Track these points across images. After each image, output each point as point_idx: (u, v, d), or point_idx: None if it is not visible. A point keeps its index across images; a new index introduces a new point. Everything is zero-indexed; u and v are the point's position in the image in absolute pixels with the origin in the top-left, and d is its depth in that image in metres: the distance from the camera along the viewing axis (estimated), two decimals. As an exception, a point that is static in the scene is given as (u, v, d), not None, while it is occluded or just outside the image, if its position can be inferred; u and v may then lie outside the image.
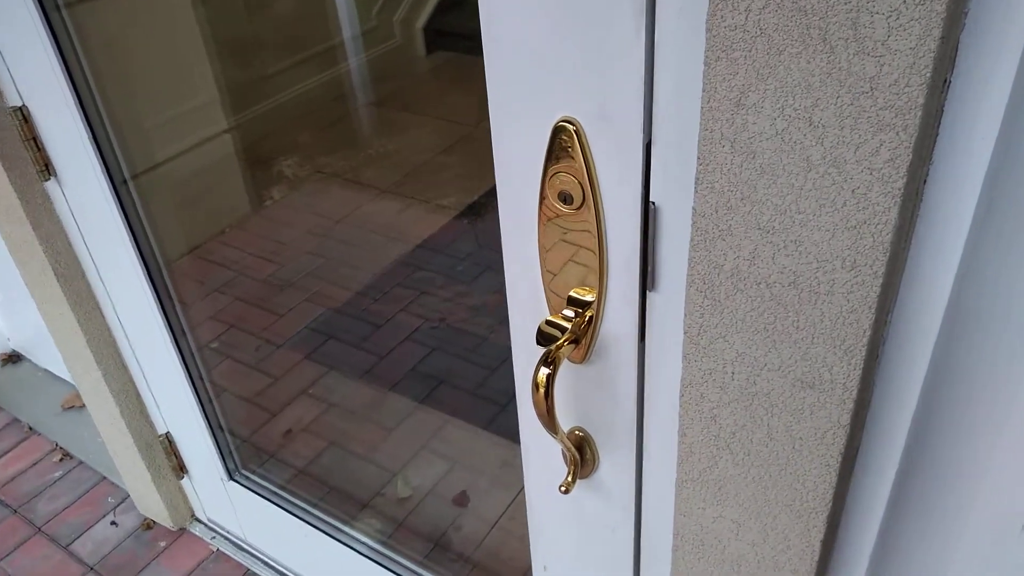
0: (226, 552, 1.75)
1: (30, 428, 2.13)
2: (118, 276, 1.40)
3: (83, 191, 1.30)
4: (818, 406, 0.60)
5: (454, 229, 3.32)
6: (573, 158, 0.63)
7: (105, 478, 1.96)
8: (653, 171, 0.61)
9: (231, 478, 1.67)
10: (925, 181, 0.52)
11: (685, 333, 0.64)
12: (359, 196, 3.51)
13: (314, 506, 1.68)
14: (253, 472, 1.76)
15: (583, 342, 0.73)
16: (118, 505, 1.89)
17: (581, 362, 0.76)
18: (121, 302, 1.44)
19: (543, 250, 0.71)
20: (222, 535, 1.77)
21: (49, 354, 2.24)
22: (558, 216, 0.67)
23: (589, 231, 0.66)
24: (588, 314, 0.71)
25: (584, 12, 0.56)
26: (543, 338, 0.71)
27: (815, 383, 0.59)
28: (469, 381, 2.43)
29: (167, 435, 1.65)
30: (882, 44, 0.45)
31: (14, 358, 2.36)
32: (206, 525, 1.80)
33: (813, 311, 0.56)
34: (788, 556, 0.71)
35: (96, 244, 1.37)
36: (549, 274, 0.72)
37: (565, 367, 0.76)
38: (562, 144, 0.63)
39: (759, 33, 0.48)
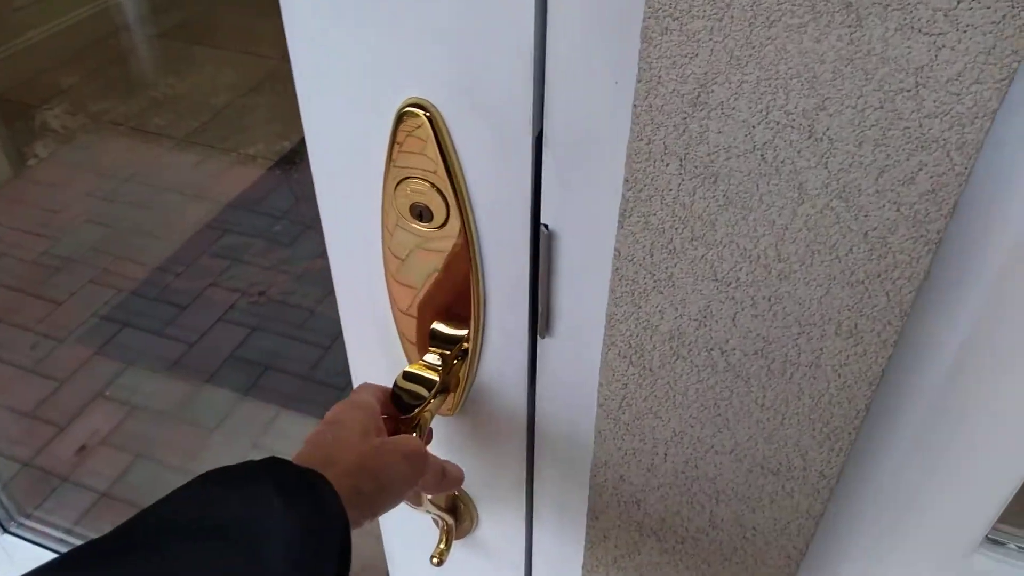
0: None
1: None
2: None
3: None
4: (782, 495, 0.45)
5: (267, 183, 2.95)
6: (428, 157, 0.42)
7: None
8: (545, 183, 0.42)
9: (5, 530, 1.34)
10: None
11: (600, 406, 0.47)
12: (147, 148, 3.02)
13: None
14: (35, 515, 1.43)
15: (455, 390, 0.54)
16: None
17: (452, 414, 0.57)
18: None
19: (394, 283, 0.50)
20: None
21: None
22: (413, 237, 0.46)
23: (458, 254, 0.46)
24: (456, 356, 0.51)
25: None
26: (402, 402, 0.50)
27: (779, 470, 0.44)
28: (300, 364, 2.16)
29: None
30: (945, 15, 0.27)
31: None
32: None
33: (787, 387, 0.40)
34: (725, 643, 0.57)
35: None
36: (404, 316, 0.52)
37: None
38: (411, 138, 0.42)
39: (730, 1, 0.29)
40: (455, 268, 0.47)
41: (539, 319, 0.48)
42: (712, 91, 0.32)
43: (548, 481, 0.57)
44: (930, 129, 0.30)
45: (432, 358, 0.52)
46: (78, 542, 1.27)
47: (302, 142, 0.47)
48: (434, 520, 0.64)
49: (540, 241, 0.44)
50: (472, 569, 0.69)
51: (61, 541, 1.39)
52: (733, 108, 0.32)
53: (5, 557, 1.37)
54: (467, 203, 0.44)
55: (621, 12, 0.33)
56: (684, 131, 0.34)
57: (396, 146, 0.43)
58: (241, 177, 2.85)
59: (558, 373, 0.50)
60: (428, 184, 0.44)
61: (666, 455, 0.47)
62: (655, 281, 0.39)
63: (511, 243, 0.44)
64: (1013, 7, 0.27)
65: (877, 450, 0.45)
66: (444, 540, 0.63)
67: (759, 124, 0.32)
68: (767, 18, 0.30)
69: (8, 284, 2.36)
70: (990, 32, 0.27)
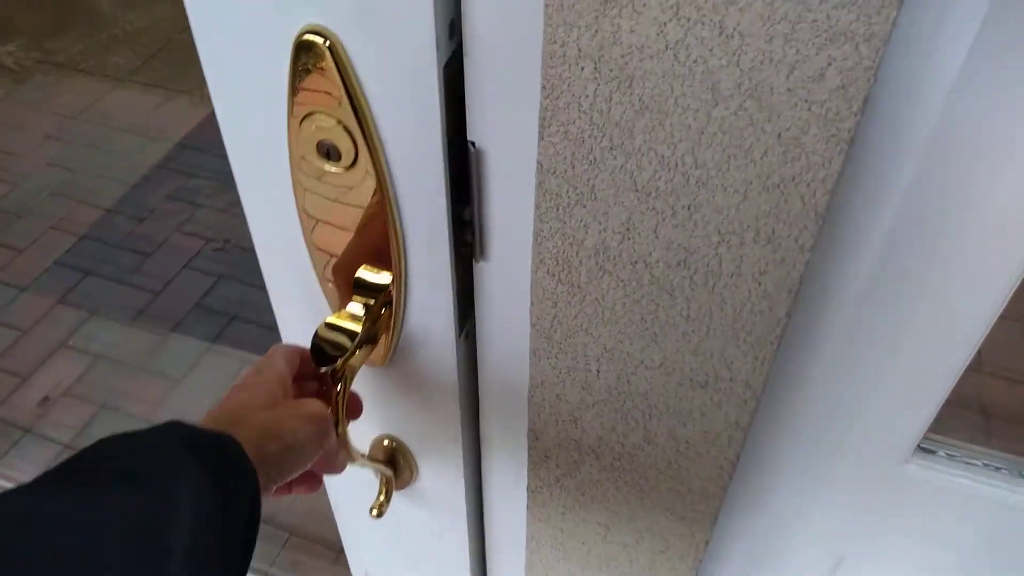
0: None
1: None
2: None
3: None
4: (711, 407, 0.46)
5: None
6: (330, 92, 0.40)
7: None
8: (469, 97, 0.41)
9: None
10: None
11: (533, 326, 0.47)
12: (105, 87, 2.92)
13: None
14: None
15: (383, 341, 0.53)
16: None
17: (383, 365, 0.56)
18: None
19: (308, 227, 0.49)
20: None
21: None
22: (323, 178, 0.45)
23: (372, 195, 0.45)
24: (383, 305, 0.50)
25: None
26: (323, 353, 0.49)
27: (708, 382, 0.44)
28: (268, 313, 2.14)
29: None
30: None
31: None
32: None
33: (710, 297, 0.40)
34: (667, 556, 0.59)
35: None
36: (323, 254, 0.51)
37: (363, 371, 0.55)
38: (312, 70, 0.40)
39: None
40: (371, 210, 0.45)
41: (474, 243, 0.47)
42: (621, -13, 0.31)
43: (490, 414, 0.58)
44: (838, 21, 0.29)
45: (355, 307, 0.50)
46: None
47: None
48: (373, 473, 0.64)
49: (469, 160, 0.43)
50: (415, 518, 0.69)
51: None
52: (644, 4, 0.31)
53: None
54: (375, 138, 0.42)
55: (528, -95, 0.32)
56: (596, 31, 0.33)
57: (297, 79, 0.41)
58: (198, 116, 2.76)
59: (495, 298, 0.50)
60: (334, 120, 0.42)
61: (599, 372, 0.47)
62: (578, 195, 0.39)
63: (426, 177, 0.43)
64: None
65: (804, 361, 0.46)
66: (383, 492, 0.64)
67: (670, 21, 0.31)
68: (671, -94, 0.28)
69: (-37, 233, 2.30)
70: (893, -85, 0.27)
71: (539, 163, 0.38)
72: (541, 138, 0.37)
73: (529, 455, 0.56)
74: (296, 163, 0.45)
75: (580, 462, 0.54)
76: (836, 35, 0.30)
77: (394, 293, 0.50)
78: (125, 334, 1.99)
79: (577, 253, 0.41)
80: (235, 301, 2.05)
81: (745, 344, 0.42)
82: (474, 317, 0.52)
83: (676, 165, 0.36)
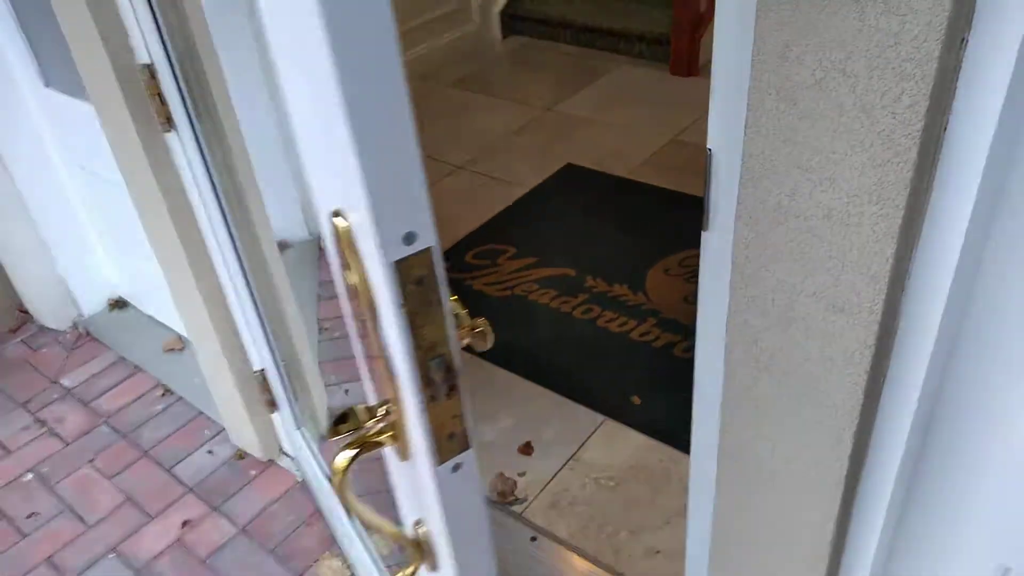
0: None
1: (135, 366, 2.34)
2: (222, 225, 1.56)
3: (194, 145, 1.45)
4: (847, 328, 0.69)
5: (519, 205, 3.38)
6: (345, 249, 0.52)
7: (202, 413, 2.16)
8: (710, 121, 0.71)
9: (297, 427, 1.83)
10: (945, 129, 0.60)
11: (733, 263, 0.74)
12: (435, 169, 3.62)
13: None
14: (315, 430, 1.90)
15: (400, 440, 0.61)
16: (213, 437, 2.08)
17: (405, 460, 0.63)
18: (227, 248, 1.60)
19: (358, 343, 0.61)
20: (303, 471, 1.94)
21: (152, 301, 2.46)
22: (357, 311, 0.56)
23: (373, 331, 0.56)
24: (395, 414, 0.60)
25: (320, 107, 0.46)
26: (337, 420, 0.60)
27: (845, 307, 0.68)
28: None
29: (262, 372, 1.81)
30: (905, 4, 0.53)
31: (121, 304, 2.58)
32: (292, 459, 1.98)
33: (844, 241, 0.65)
34: (819, 471, 0.80)
35: (207, 193, 1.53)
36: (371, 363, 0.61)
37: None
38: (337, 235, 0.53)
39: (802, -5, 0.57)
40: (374, 342, 0.55)
41: (705, 217, 0.76)
42: (791, 49, 0.60)
43: (705, 339, 0.84)
44: (906, 68, 0.55)
45: (379, 409, 0.60)
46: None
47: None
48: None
49: (708, 160, 0.73)
50: None
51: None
52: (803, 59, 0.59)
53: (300, 440, 1.85)
54: (369, 289, 0.52)
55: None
56: (778, 73, 0.61)
57: (336, 242, 0.52)
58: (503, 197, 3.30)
59: (715, 256, 0.77)
60: (350, 271, 0.53)
61: (773, 300, 0.73)
62: (764, 170, 0.66)
63: (396, 332, 0.51)
64: (938, 1, 0.52)
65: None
66: (413, 567, 0.70)
67: (816, 68, 0.59)
68: (817, 7, 0.57)
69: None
70: (927, 13, 0.53)
71: (744, 150, 0.67)
72: (745, 135, 0.66)
73: (724, 369, 0.81)
74: (347, 294, 0.56)
75: (757, 378, 0.79)
76: (905, 75, 0.56)
77: (396, 411, 0.59)
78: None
79: (762, 209, 0.68)
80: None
81: (866, 277, 0.65)
82: (471, 452, 0.60)
83: (822, 151, 0.62)
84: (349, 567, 1.71)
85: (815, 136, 0.62)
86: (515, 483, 1.86)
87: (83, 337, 2.48)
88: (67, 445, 2.09)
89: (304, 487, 1.92)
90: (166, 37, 1.32)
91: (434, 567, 0.68)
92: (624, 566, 1.64)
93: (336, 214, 0.51)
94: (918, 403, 0.74)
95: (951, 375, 0.75)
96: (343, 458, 0.59)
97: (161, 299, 2.21)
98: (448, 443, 0.58)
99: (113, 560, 1.79)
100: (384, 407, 0.60)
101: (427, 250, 0.50)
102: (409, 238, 0.49)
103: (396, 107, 0.45)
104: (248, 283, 1.62)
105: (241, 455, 2.02)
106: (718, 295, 0.80)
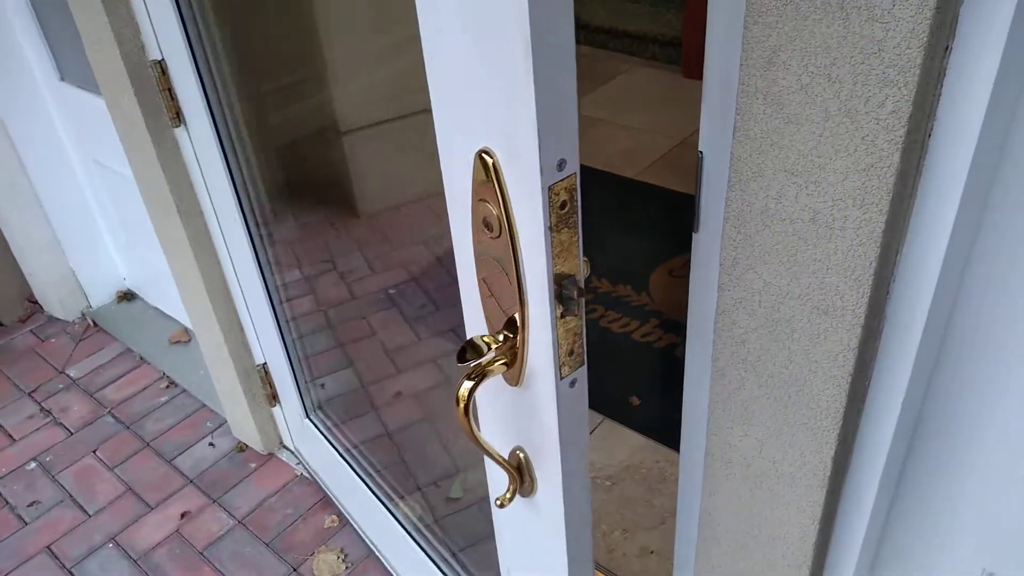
0: (309, 478, 1.93)
1: (141, 358, 2.37)
2: (229, 220, 1.58)
3: (206, 140, 1.48)
4: (831, 331, 0.70)
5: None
6: (490, 186, 0.58)
7: (205, 406, 2.18)
8: (702, 125, 0.72)
9: (307, 416, 1.85)
10: (929, 135, 0.61)
11: (721, 264, 0.75)
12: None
13: (375, 468, 1.74)
14: (328, 417, 1.91)
15: (515, 366, 0.67)
16: (215, 430, 2.10)
17: (517, 386, 0.69)
18: (232, 242, 1.62)
19: (480, 274, 0.66)
20: (304, 463, 1.96)
21: (159, 293, 2.48)
22: (484, 243, 0.62)
23: (509, 260, 0.61)
24: (517, 338, 0.66)
25: (488, 47, 0.52)
26: (462, 353, 0.66)
27: (829, 309, 0.69)
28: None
29: (264, 365, 1.83)
30: (888, 12, 0.54)
31: (129, 296, 2.61)
32: (292, 452, 1.99)
33: (828, 244, 0.66)
34: (804, 472, 0.80)
35: (214, 189, 1.56)
36: (487, 298, 0.67)
37: (505, 388, 0.71)
38: (484, 172, 0.59)
39: (788, 1, 0.58)
40: (508, 269, 0.60)
41: (695, 218, 0.77)
42: (779, 55, 0.61)
43: (697, 338, 0.85)
44: (889, 75, 0.56)
45: (501, 334, 0.65)
46: (347, 448, 1.63)
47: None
48: (506, 473, 0.76)
49: (700, 162, 0.74)
50: (533, 529, 0.79)
51: (338, 441, 1.86)
52: (789, 65, 0.61)
53: (303, 433, 1.86)
54: (512, 217, 0.58)
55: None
56: (765, 79, 0.62)
57: (476, 177, 0.59)
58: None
59: (705, 257, 0.79)
60: (490, 205, 0.59)
61: (760, 302, 0.74)
62: (752, 173, 0.68)
63: (537, 248, 0.57)
64: (920, 10, 0.53)
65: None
66: (509, 490, 0.76)
67: (803, 73, 0.60)
68: (803, 15, 0.58)
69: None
70: (910, 21, 0.54)
71: (732, 153, 0.68)
72: (734, 138, 0.67)
73: (711, 372, 0.82)
74: (475, 231, 0.63)
75: (745, 379, 0.80)
76: (889, 82, 0.57)
77: (520, 333, 0.64)
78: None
79: (750, 212, 0.70)
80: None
81: (850, 280, 0.66)
82: (583, 367, 0.65)
83: (807, 155, 0.63)
84: (346, 559, 1.73)
85: (801, 140, 0.63)
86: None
87: (91, 328, 2.51)
88: (71, 435, 2.12)
89: (302, 481, 1.93)
90: (188, 28, 1.34)
91: (532, 489, 0.75)
92: (617, 565, 1.65)
93: (484, 152, 0.58)
94: (902, 406, 0.75)
95: (936, 379, 0.76)
96: (464, 389, 0.66)
97: (168, 292, 2.24)
98: (568, 359, 0.65)
99: (111, 550, 1.81)
100: (501, 335, 0.66)
101: (572, 175, 0.56)
102: (561, 164, 0.54)
103: (565, 41, 0.50)
104: (263, 276, 1.63)
105: (242, 448, 2.03)
106: (708, 296, 0.81)
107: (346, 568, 1.71)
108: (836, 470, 0.79)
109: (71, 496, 1.95)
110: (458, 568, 1.55)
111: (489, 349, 0.67)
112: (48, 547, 1.82)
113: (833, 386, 0.73)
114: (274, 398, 1.90)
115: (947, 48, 0.57)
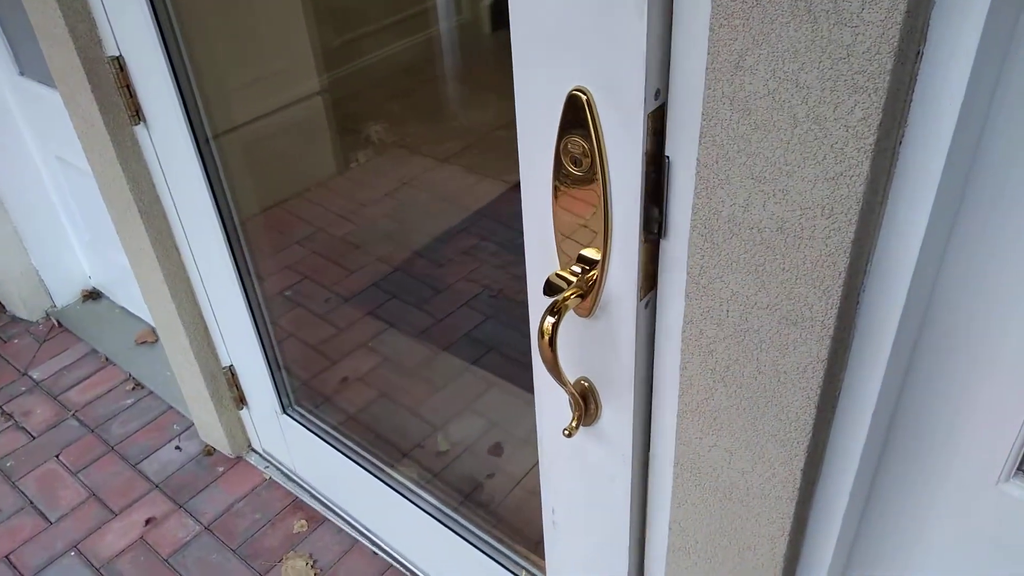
0: (277, 481, 1.90)
1: (106, 359, 2.31)
2: (195, 219, 1.54)
3: (169, 139, 1.43)
4: (800, 342, 0.68)
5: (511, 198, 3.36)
6: (583, 125, 0.66)
7: (171, 408, 2.13)
8: (669, 129, 0.69)
9: (284, 411, 1.81)
10: (900, 142, 0.59)
11: (688, 273, 0.73)
12: (432, 165, 3.60)
13: (359, 447, 1.80)
14: (305, 409, 1.90)
15: (589, 297, 0.77)
16: (182, 432, 2.06)
17: (587, 316, 0.79)
18: (196, 243, 1.58)
19: (557, 211, 0.77)
20: (275, 466, 1.92)
21: (126, 293, 2.43)
22: (569, 178, 0.72)
23: (596, 192, 0.70)
24: (594, 271, 0.75)
25: None
26: (549, 288, 0.74)
27: (798, 320, 0.67)
28: (517, 350, 2.53)
29: (230, 368, 1.79)
30: (857, 16, 0.52)
31: (94, 295, 2.55)
32: (260, 455, 1.96)
33: (797, 254, 0.64)
34: (773, 484, 0.79)
35: (177, 188, 1.51)
36: (561, 234, 0.79)
37: (574, 321, 0.82)
38: (575, 111, 0.67)
39: (755, 3, 0.56)
40: (594, 203, 0.71)
41: (662, 225, 0.75)
42: (745, 59, 0.58)
43: (667, 356, 0.83)
44: (858, 81, 0.54)
45: (576, 268, 0.76)
46: (333, 435, 1.68)
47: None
48: (569, 402, 0.88)
49: (664, 166, 0.71)
50: (593, 456, 0.89)
51: (322, 430, 1.84)
52: (756, 69, 0.58)
53: (279, 431, 1.84)
54: (604, 154, 0.68)
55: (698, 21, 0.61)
56: (731, 83, 0.60)
57: (566, 116, 0.68)
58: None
59: (672, 264, 0.76)
60: (581, 142, 0.69)
61: (728, 311, 0.71)
62: (719, 180, 0.65)
63: (630, 182, 0.69)
64: (890, 14, 0.51)
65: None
66: (575, 418, 0.85)
67: (770, 78, 0.58)
68: (771, 18, 0.56)
69: (319, 252, 3.00)
70: (880, 25, 0.51)
71: (698, 160, 0.66)
72: (700, 144, 0.65)
73: (680, 382, 0.80)
74: (556, 167, 0.75)
75: (713, 389, 0.78)
76: (858, 88, 0.54)
77: (600, 266, 0.76)
78: (409, 345, 2.47)
79: (717, 220, 0.67)
80: (495, 337, 2.46)
81: (819, 290, 0.64)
82: (656, 290, 0.78)
83: (775, 162, 0.61)
84: (314, 566, 1.70)
85: (769, 147, 0.61)
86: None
87: (55, 328, 2.45)
88: (33, 439, 2.07)
89: (271, 485, 1.90)
90: (148, 23, 1.29)
91: (596, 416, 0.85)
92: None
93: (577, 91, 0.66)
94: (872, 417, 0.73)
95: (908, 389, 0.74)
96: (548, 323, 0.73)
97: (135, 291, 2.19)
98: (645, 282, 0.75)
99: (73, 558, 1.76)
100: (580, 266, 0.75)
101: (664, 104, 0.65)
102: (657, 94, 0.63)
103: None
104: (239, 271, 1.59)
105: (209, 451, 1.99)
106: (676, 305, 0.79)
107: (315, 574, 1.68)
108: (806, 481, 0.77)
109: (31, 503, 1.89)
110: (463, 521, 1.55)
111: (568, 284, 0.74)
112: (7, 556, 1.77)
113: (802, 398, 0.71)
114: (241, 400, 1.85)
115: (918, 53, 0.55)
